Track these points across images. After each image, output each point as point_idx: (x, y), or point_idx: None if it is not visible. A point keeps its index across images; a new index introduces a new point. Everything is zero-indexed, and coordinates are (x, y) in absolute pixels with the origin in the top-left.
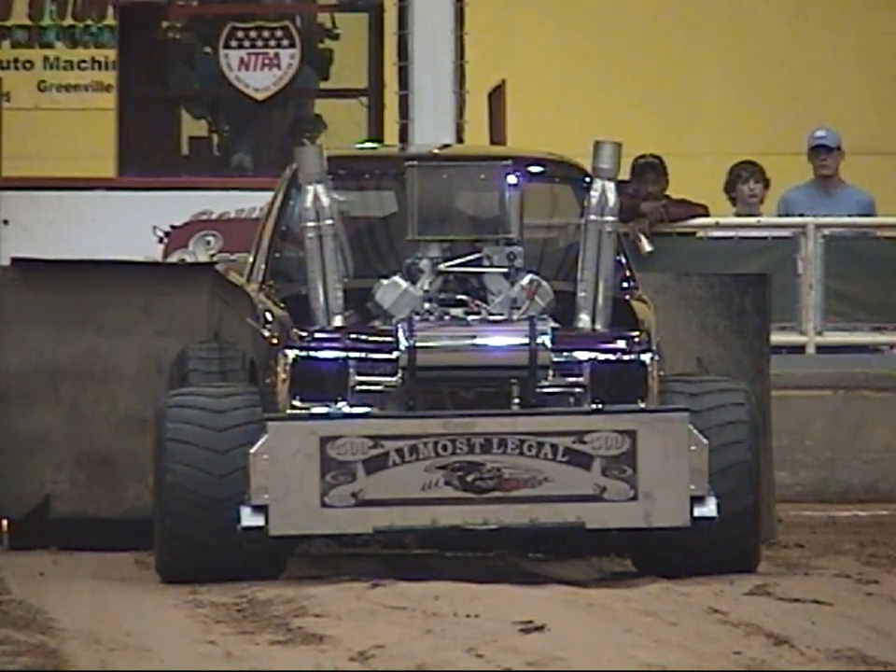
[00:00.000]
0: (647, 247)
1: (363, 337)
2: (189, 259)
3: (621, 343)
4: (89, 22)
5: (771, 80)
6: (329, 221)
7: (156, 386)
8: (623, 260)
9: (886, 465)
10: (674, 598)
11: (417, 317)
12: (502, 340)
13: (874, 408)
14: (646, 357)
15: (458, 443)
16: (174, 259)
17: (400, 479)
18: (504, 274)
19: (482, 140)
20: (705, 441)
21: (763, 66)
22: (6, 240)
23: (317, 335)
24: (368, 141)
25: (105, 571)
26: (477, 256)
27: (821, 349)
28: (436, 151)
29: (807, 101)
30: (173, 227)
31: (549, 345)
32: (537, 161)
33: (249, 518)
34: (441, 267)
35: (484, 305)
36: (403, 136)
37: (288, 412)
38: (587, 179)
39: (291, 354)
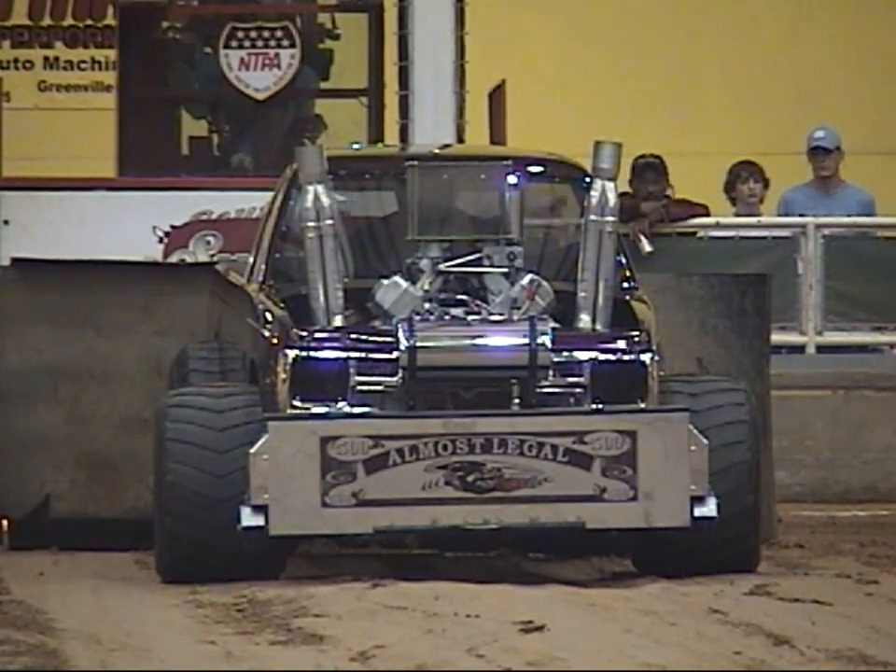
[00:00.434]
0: (647, 247)
1: (363, 337)
2: (189, 259)
3: (621, 344)
4: (89, 22)
5: (771, 80)
6: (330, 221)
7: (156, 386)
8: (623, 260)
9: (886, 465)
10: (674, 598)
11: (417, 317)
12: (502, 340)
13: (874, 408)
14: (646, 357)
15: (459, 443)
16: (174, 259)
17: (401, 479)
18: (504, 274)
19: (482, 140)
20: (705, 441)
21: (763, 66)
22: (6, 240)
23: (317, 335)
24: (375, 141)
25: (105, 571)
26: (477, 256)
27: (821, 349)
28: (436, 151)
29: (807, 101)
30: (173, 227)
31: (549, 345)
32: (537, 161)
33: (249, 518)
34: (441, 267)
35: (484, 305)
36: (403, 136)
37: (289, 412)
38: (587, 179)
39: (291, 354)
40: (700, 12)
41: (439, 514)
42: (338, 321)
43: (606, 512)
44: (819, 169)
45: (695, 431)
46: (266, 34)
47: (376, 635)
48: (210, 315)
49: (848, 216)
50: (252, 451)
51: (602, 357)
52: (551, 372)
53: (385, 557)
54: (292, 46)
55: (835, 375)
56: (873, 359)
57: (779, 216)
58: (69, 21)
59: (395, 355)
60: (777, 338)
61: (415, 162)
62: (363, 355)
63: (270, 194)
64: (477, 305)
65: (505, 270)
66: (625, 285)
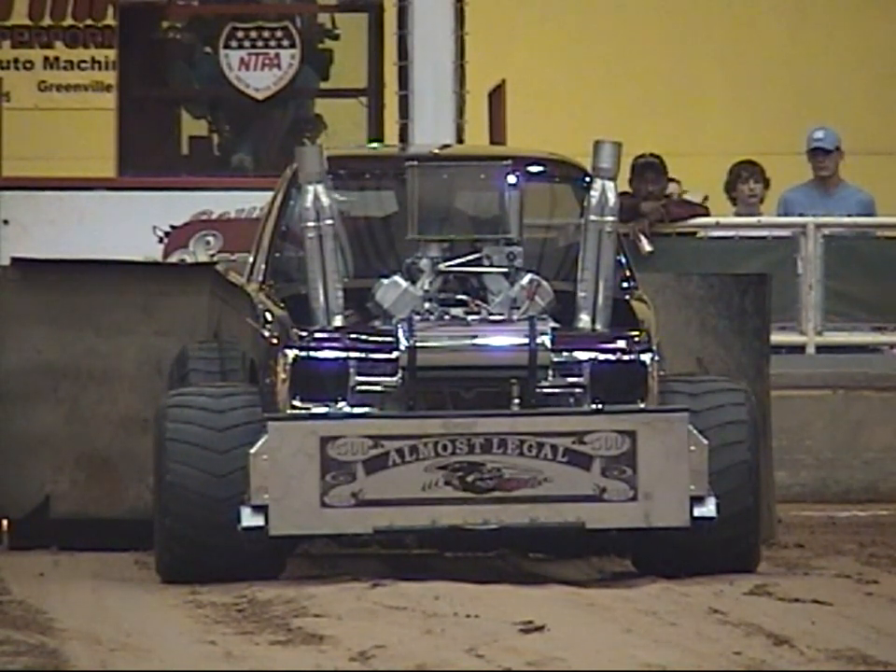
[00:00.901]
0: (647, 247)
1: (363, 337)
2: (189, 259)
3: (621, 343)
4: (89, 22)
5: (771, 80)
6: (329, 221)
7: (156, 386)
8: (623, 260)
9: (886, 465)
10: (674, 598)
11: (417, 317)
12: (502, 340)
13: (874, 408)
14: (646, 357)
15: (458, 443)
16: (174, 259)
17: (400, 479)
18: (504, 274)
19: (482, 140)
20: (705, 441)
21: (763, 66)
22: (6, 240)
23: (317, 335)
24: (373, 141)
25: (105, 571)
26: (477, 256)
27: (821, 349)
28: (436, 151)
29: (807, 101)
30: (173, 227)
31: (549, 345)
32: (537, 161)
33: (249, 518)
34: (441, 267)
35: (484, 305)
36: (403, 136)
37: (288, 412)
38: (587, 179)
39: (291, 354)
40: (700, 12)
41: (438, 514)
42: (338, 321)
43: (606, 512)
44: (818, 169)
45: (695, 431)
46: (266, 34)
47: (376, 635)
48: (210, 315)
49: (848, 215)
50: (252, 451)
51: (602, 356)
52: (551, 372)
53: (384, 557)
54: (292, 46)
55: (835, 375)
56: (873, 359)
57: (779, 215)
58: (69, 21)
59: (395, 355)
60: (776, 338)
61: (415, 162)
62: (363, 355)
63: (270, 194)
64: (477, 305)
65: (505, 270)
66: (625, 285)
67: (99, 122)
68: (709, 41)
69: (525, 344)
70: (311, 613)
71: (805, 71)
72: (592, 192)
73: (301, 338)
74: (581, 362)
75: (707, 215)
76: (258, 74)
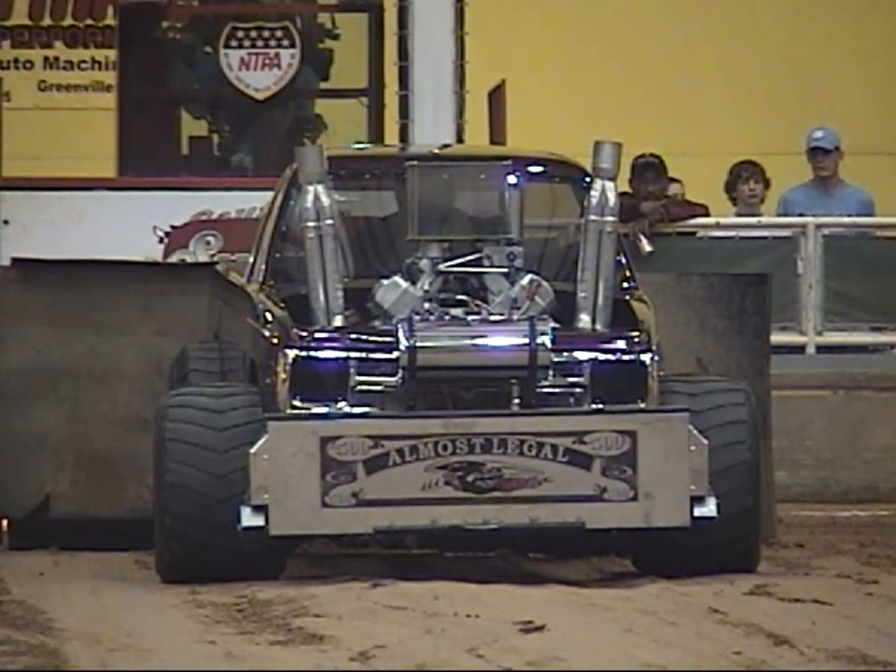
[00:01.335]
0: (647, 247)
1: (363, 337)
2: (189, 259)
3: (621, 343)
4: (89, 22)
5: (771, 80)
6: (330, 221)
7: (156, 386)
8: (623, 260)
9: (886, 465)
10: (674, 598)
11: (417, 317)
12: (502, 340)
13: (874, 408)
14: (646, 357)
15: (458, 443)
16: (174, 259)
17: (400, 479)
18: (504, 274)
19: (482, 140)
20: (705, 441)
21: (763, 66)
22: (6, 240)
23: (317, 335)
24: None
25: (105, 571)
26: (477, 256)
27: (821, 349)
28: (436, 151)
29: (807, 101)
30: (173, 227)
31: (549, 345)
32: (537, 161)
33: (249, 518)
34: (441, 267)
35: (484, 305)
36: (403, 136)
37: (289, 412)
38: (587, 179)
39: (291, 354)
40: (700, 12)
41: (438, 514)
42: (338, 321)
43: (606, 512)
44: (818, 169)
45: (695, 431)
46: (266, 34)
47: (376, 635)
48: (210, 315)
49: (848, 216)
50: (252, 451)
51: (602, 356)
52: (551, 372)
53: (385, 557)
54: (292, 46)
55: (835, 375)
56: (873, 359)
57: (779, 215)
58: (69, 20)
59: (395, 355)
60: (776, 338)
61: (415, 162)
62: (363, 355)
63: (270, 194)
64: (477, 305)
65: (505, 270)
66: (625, 285)
67: (99, 122)
68: (709, 41)
69: (525, 344)
70: (311, 613)
71: (805, 71)
72: (592, 192)
73: (302, 338)
74: (581, 362)
75: (708, 215)
76: (258, 74)
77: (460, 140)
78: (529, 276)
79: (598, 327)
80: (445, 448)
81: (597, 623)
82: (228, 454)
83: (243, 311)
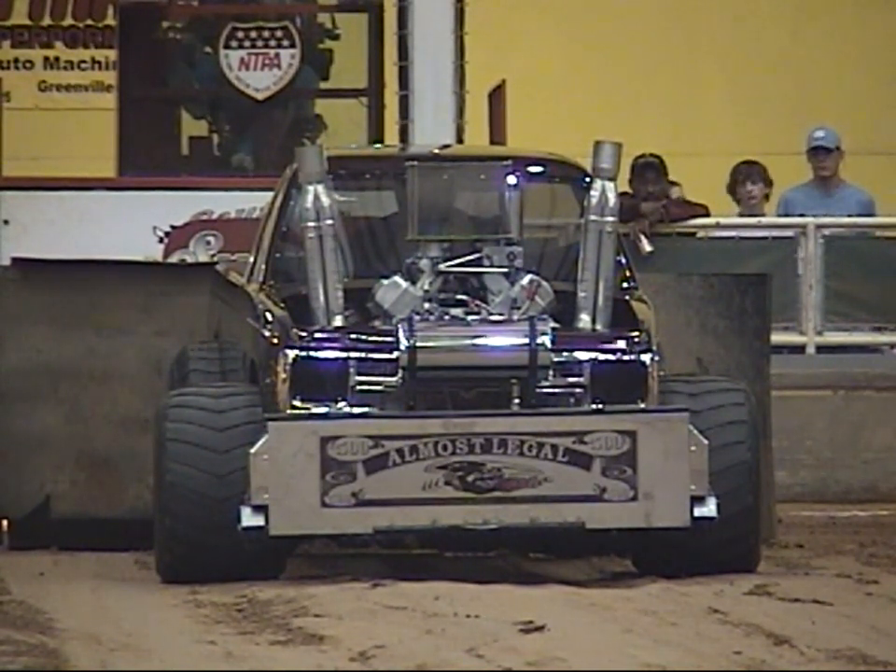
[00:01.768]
0: (647, 247)
1: (363, 337)
2: (189, 259)
3: (621, 344)
4: (89, 22)
5: (771, 80)
6: (330, 221)
7: (156, 386)
8: (623, 260)
9: (886, 465)
10: (674, 598)
11: (417, 317)
12: (502, 340)
13: (874, 408)
14: (646, 357)
15: (458, 443)
16: (174, 259)
17: (400, 479)
18: (504, 274)
19: (482, 140)
20: (705, 441)
21: (763, 66)
22: (6, 240)
23: (317, 335)
24: (376, 142)
25: (105, 571)
26: (477, 256)
27: (821, 349)
28: (436, 151)
29: (807, 101)
30: (173, 227)
31: (549, 345)
32: (537, 161)
33: (249, 518)
34: (441, 267)
35: (484, 305)
36: (403, 136)
37: (289, 412)
38: (587, 179)
39: (291, 354)
40: (700, 12)
41: (439, 514)
42: (338, 321)
43: (606, 512)
44: (819, 169)
45: (695, 431)
46: (266, 34)
47: (376, 635)
48: (210, 315)
49: (848, 216)
50: (252, 451)
51: (602, 357)
52: (551, 372)
53: (385, 557)
54: (292, 46)
55: (835, 375)
56: (873, 359)
57: (779, 215)
58: (69, 20)
59: (395, 355)
60: (776, 338)
61: (415, 162)
62: (363, 355)
63: (270, 194)
64: (477, 305)
65: (505, 270)
66: (625, 285)
67: (99, 122)
68: (709, 41)
69: (525, 344)
70: (311, 613)
71: (805, 71)
72: (592, 192)
73: (302, 338)
74: (581, 362)
75: (708, 215)
76: (258, 74)
77: (460, 140)
78: (529, 276)
79: (598, 327)
80: (445, 448)
81: (597, 623)
82: (228, 454)
83: (243, 311)
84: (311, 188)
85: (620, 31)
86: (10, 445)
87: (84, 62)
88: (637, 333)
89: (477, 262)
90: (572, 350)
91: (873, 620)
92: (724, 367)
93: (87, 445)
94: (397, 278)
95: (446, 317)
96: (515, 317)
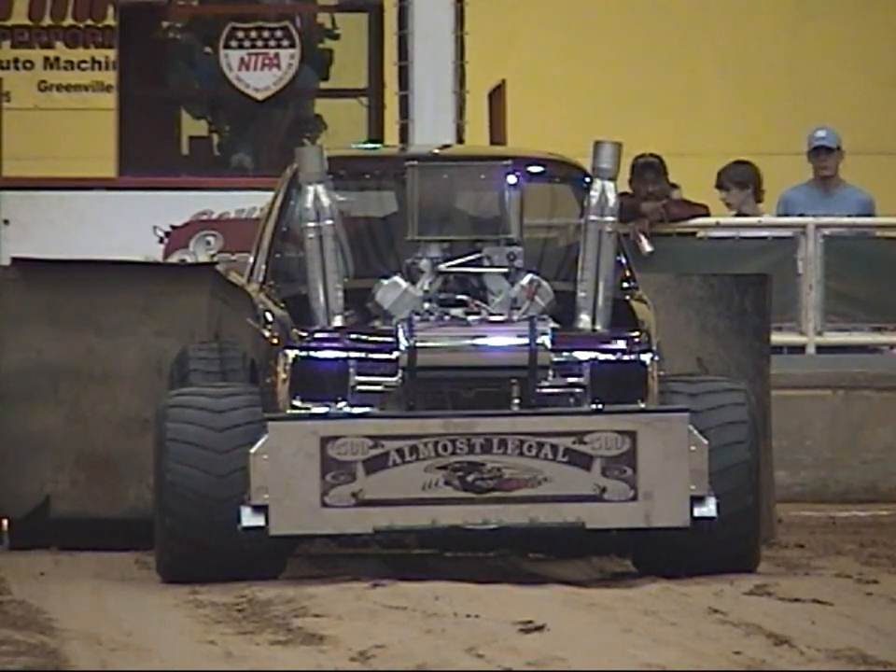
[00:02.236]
0: (647, 247)
1: (363, 337)
2: (189, 259)
3: (621, 344)
4: (89, 22)
5: (771, 80)
6: (330, 221)
7: (156, 386)
8: (623, 260)
9: (886, 465)
10: (674, 598)
11: (417, 317)
12: (502, 340)
13: (874, 408)
14: (646, 358)
15: (458, 443)
16: (174, 259)
17: (400, 479)
18: (504, 274)
19: (482, 140)
20: (705, 441)
21: (763, 66)
22: (6, 240)
23: (317, 335)
24: (370, 141)
25: (105, 571)
26: (477, 256)
27: (821, 349)
28: (436, 151)
29: (807, 101)
30: (173, 227)
31: (549, 346)
32: (537, 161)
33: (249, 518)
34: (441, 267)
35: (484, 305)
36: (403, 136)
37: (289, 412)
38: (587, 179)
39: (291, 354)
40: (700, 12)
41: (438, 514)
42: (338, 321)
43: (606, 512)
44: (820, 169)
45: (695, 431)
46: (266, 34)
47: (376, 635)
48: (210, 315)
49: (848, 216)
50: (252, 451)
51: (602, 357)
52: (551, 372)
53: (385, 557)
54: (292, 46)
55: (835, 375)
56: (873, 359)
57: (779, 215)
58: (69, 21)
59: (395, 355)
60: (776, 338)
61: (415, 162)
62: (363, 355)
63: (270, 194)
64: (477, 305)
65: (505, 270)
66: (625, 285)
67: (99, 122)
68: (709, 41)
69: (525, 345)
70: (311, 613)
71: (805, 71)
72: (592, 192)
73: (302, 338)
74: (581, 362)
75: (708, 215)
76: (258, 74)
77: (460, 140)
78: (529, 276)
79: (598, 327)
80: (445, 448)
81: (597, 623)
82: (228, 454)
83: (243, 311)
84: (311, 188)
85: (620, 31)
86: (10, 445)
87: (84, 62)
88: (636, 333)
89: (477, 262)
90: (572, 350)
91: (873, 620)
92: (724, 367)
93: (87, 445)
94: (397, 278)
95: (446, 317)
96: (515, 317)
